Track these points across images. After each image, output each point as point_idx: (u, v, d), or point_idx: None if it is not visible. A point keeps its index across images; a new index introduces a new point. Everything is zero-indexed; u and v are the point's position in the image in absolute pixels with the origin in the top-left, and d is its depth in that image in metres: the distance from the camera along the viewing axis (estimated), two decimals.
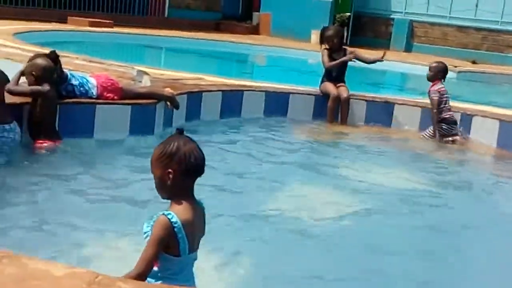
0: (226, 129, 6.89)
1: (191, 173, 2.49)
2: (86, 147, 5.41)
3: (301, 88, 8.24)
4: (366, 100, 8.07)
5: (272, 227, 4.14)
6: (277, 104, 7.75)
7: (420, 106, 7.99)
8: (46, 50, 5.81)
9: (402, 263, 3.75)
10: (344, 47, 8.28)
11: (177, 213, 2.43)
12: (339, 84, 8.00)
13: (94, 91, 5.65)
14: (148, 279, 2.43)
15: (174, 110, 6.33)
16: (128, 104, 5.80)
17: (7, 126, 4.73)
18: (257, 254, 3.69)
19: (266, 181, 5.19)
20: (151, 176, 4.92)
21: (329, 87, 7.92)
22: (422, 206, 4.97)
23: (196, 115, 6.96)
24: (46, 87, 5.07)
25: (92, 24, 15.81)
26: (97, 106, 5.61)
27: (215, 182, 5.00)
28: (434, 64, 7.88)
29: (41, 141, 5.08)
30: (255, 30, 20.85)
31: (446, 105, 7.46)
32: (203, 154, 2.52)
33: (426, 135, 7.48)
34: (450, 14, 19.43)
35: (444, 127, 7.34)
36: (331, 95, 7.80)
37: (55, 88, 5.22)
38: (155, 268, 2.44)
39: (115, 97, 5.75)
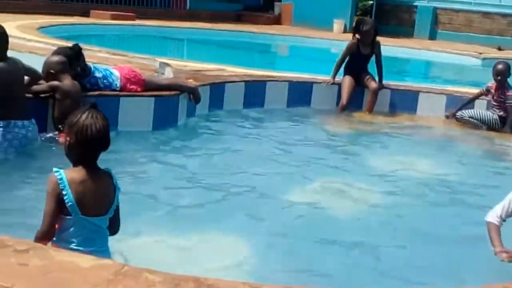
0: (249, 119, 6.87)
1: (87, 145, 2.65)
2: (111, 139, 5.41)
3: (324, 77, 8.17)
4: (390, 89, 7.99)
5: (298, 217, 4.11)
6: (300, 94, 7.70)
7: (446, 94, 7.89)
8: (70, 44, 5.82)
9: (435, 254, 3.69)
10: (377, 40, 8.06)
11: (66, 172, 2.63)
12: (366, 77, 7.87)
13: (118, 83, 5.66)
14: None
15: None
16: (151, 96, 5.81)
17: (19, 123, 4.72)
18: (282, 243, 3.66)
19: (290, 171, 5.16)
20: (175, 167, 4.96)
21: (344, 86, 7.77)
22: (455, 194, 4.91)
23: (219, 106, 6.94)
24: (64, 81, 5.07)
25: (114, 17, 15.87)
26: (121, 98, 5.62)
27: (238, 171, 5.00)
28: (501, 67, 7.25)
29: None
30: (277, 20, 20.75)
31: None
32: (103, 132, 2.66)
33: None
34: (474, 0, 19.15)
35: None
36: (341, 102, 7.71)
37: (77, 81, 5.21)
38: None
39: (138, 89, 5.76)
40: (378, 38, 8.10)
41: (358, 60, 7.93)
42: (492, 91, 7.35)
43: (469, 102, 7.53)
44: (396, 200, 4.69)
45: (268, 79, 7.74)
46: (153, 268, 2.25)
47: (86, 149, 2.67)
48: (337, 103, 7.83)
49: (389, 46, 15.59)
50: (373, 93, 7.73)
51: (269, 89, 7.51)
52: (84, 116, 2.65)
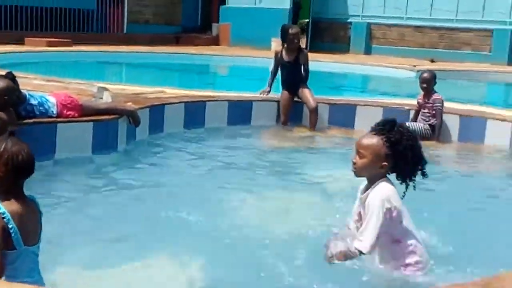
0: (190, 140, 6.87)
1: (19, 173, 2.61)
2: (49, 167, 5.33)
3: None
4: (329, 104, 8.12)
5: (240, 236, 4.11)
6: (240, 112, 7.76)
7: (382, 106, 8.07)
8: (3, 72, 5.71)
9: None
10: (302, 48, 8.22)
11: (4, 205, 2.56)
12: (301, 91, 7.92)
13: (54, 110, 5.58)
14: None
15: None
16: (89, 120, 5.75)
17: None
18: (222, 262, 3.65)
19: (233, 190, 5.17)
20: (114, 193, 4.90)
21: (281, 103, 7.90)
22: None
23: (159, 128, 6.92)
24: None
25: (50, 44, 15.65)
26: (58, 124, 5.54)
27: (181, 191, 4.99)
28: (426, 75, 7.63)
29: None
30: (215, 41, 20.88)
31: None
32: (32, 155, 2.64)
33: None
34: (406, 14, 19.70)
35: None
36: (280, 118, 7.84)
37: (12, 110, 5.10)
38: None
39: (76, 115, 5.69)
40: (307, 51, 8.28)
41: (286, 69, 8.04)
42: (421, 101, 7.60)
43: (413, 120, 7.68)
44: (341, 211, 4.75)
45: (207, 99, 7.77)
46: None
47: (18, 177, 2.61)
48: (277, 121, 7.93)
49: (326, 62, 15.95)
50: (312, 112, 7.78)
51: (209, 109, 7.54)
52: (9, 145, 2.59)
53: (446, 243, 3.84)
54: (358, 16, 20.37)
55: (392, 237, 3.23)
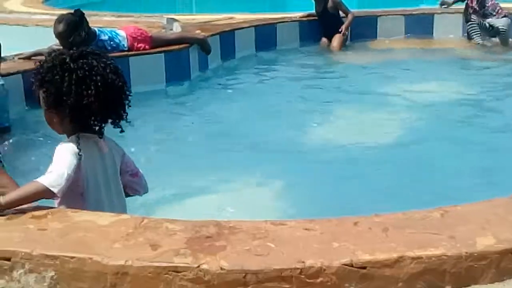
0: (262, 63, 6.79)
1: None
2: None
3: None
4: (404, 15, 7.81)
5: (320, 154, 4.06)
6: (311, 32, 7.57)
7: (461, 13, 7.68)
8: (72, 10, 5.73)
9: (460, 179, 3.61)
10: None
11: None
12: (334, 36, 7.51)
13: (125, 43, 5.58)
14: None
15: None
16: (160, 52, 5.73)
17: None
18: (305, 180, 3.61)
19: (311, 108, 5.12)
20: (192, 121, 4.93)
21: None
22: (480, 113, 4.82)
23: (231, 54, 6.85)
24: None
25: None
26: (130, 58, 5.55)
27: (259, 114, 4.95)
28: None
29: None
30: None
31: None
32: None
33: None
34: None
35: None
36: None
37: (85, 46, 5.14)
38: None
39: (146, 47, 5.68)
40: None
41: (319, 19, 7.65)
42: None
43: None
44: (422, 127, 4.63)
45: (277, 21, 7.60)
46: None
47: None
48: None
49: None
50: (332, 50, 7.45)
51: (280, 31, 7.39)
52: None
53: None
54: None
55: None
